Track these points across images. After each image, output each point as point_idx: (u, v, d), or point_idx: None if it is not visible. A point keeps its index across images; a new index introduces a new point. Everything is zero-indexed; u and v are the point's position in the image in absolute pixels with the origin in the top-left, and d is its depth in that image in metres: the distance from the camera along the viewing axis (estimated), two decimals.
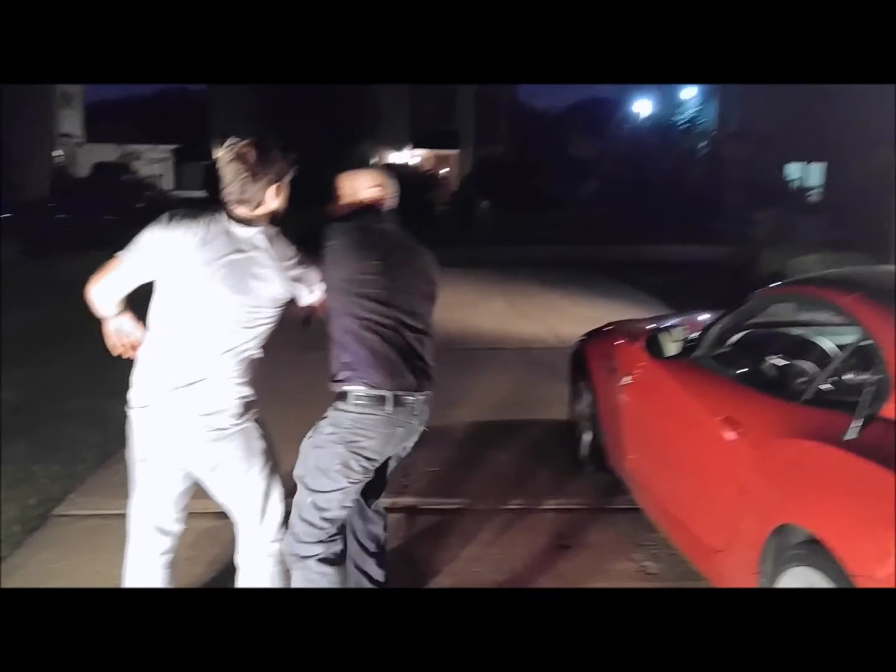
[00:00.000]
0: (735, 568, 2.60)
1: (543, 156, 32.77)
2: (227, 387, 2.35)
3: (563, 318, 8.66)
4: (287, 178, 2.39)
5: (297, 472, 2.57)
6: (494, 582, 3.20)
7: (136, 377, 2.41)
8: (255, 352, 2.41)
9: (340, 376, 2.50)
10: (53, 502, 3.88)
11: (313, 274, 2.48)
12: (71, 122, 32.77)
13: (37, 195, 18.84)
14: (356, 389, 2.47)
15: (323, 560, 2.50)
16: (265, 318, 2.38)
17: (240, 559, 2.59)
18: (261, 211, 2.35)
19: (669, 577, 3.25)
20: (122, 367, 6.39)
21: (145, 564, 2.54)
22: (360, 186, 2.68)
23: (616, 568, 3.34)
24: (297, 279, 2.42)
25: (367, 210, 2.63)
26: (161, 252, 2.27)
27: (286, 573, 2.58)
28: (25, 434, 4.69)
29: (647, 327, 3.92)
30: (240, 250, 2.29)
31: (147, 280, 2.35)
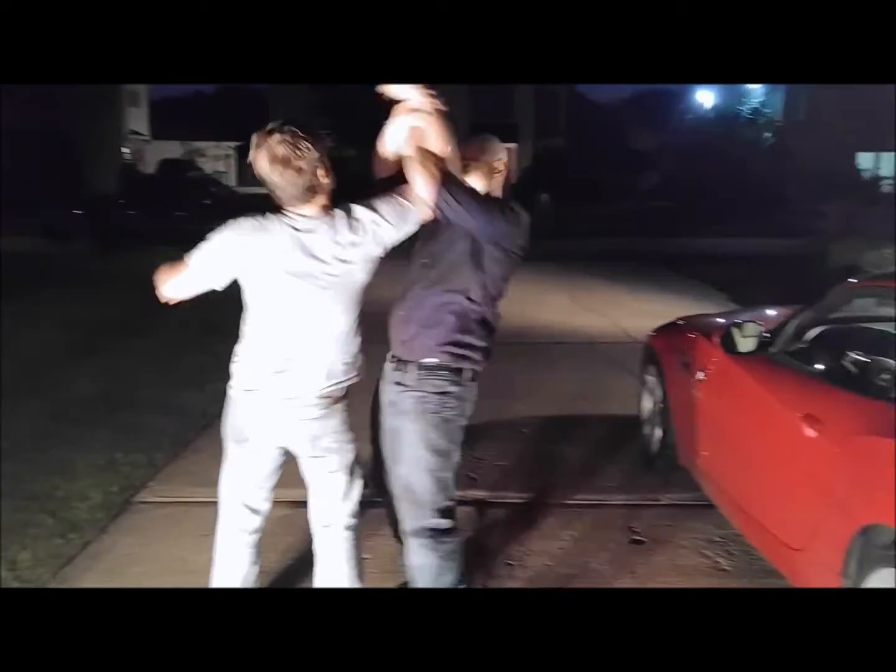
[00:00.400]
0: (816, 567, 2.56)
1: (604, 148, 32.38)
2: (325, 369, 2.40)
3: (627, 312, 8.60)
4: (326, 153, 2.31)
5: (427, 448, 2.52)
6: (565, 576, 3.21)
7: (239, 362, 2.46)
8: (354, 330, 2.45)
9: (462, 352, 2.53)
10: (134, 489, 4.02)
11: (392, 223, 2.39)
12: (138, 119, 33.68)
13: (107, 191, 19.42)
14: (473, 368, 2.56)
15: (456, 530, 2.61)
16: (356, 297, 2.43)
17: (320, 537, 2.64)
18: (319, 199, 2.31)
19: (743, 574, 3.21)
20: (195, 360, 6.57)
21: (234, 543, 2.63)
22: (503, 161, 2.64)
23: (689, 564, 3.32)
24: (374, 246, 2.39)
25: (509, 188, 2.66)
26: (229, 262, 2.33)
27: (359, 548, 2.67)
28: (107, 423, 4.86)
29: (721, 322, 3.87)
30: (307, 251, 2.29)
31: (218, 287, 2.41)
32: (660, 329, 4.58)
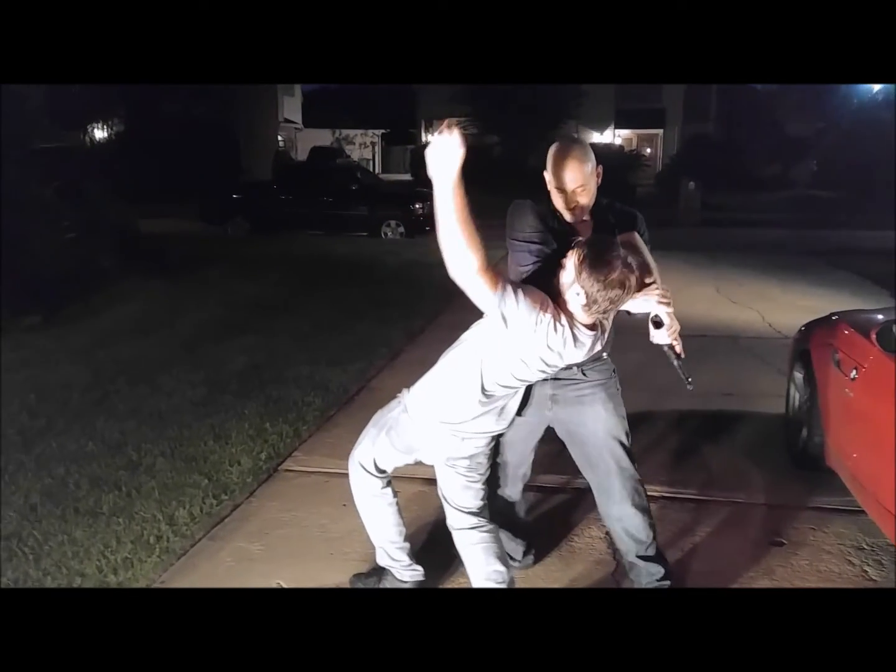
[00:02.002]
0: None
1: (757, 133, 30.80)
2: (513, 411, 2.63)
3: (776, 306, 8.21)
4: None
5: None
6: (702, 573, 3.15)
7: (444, 398, 2.54)
8: None
9: None
10: (281, 458, 4.25)
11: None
12: (292, 108, 35.06)
13: (262, 177, 20.39)
14: None
15: None
16: None
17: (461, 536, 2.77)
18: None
19: (893, 586, 3.04)
20: (341, 341, 6.81)
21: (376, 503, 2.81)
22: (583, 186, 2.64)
23: (832, 570, 3.17)
24: None
25: None
26: (525, 321, 2.30)
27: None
28: (258, 395, 5.16)
29: (879, 318, 3.65)
30: (566, 353, 2.43)
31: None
32: (811, 324, 4.36)
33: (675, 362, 2.54)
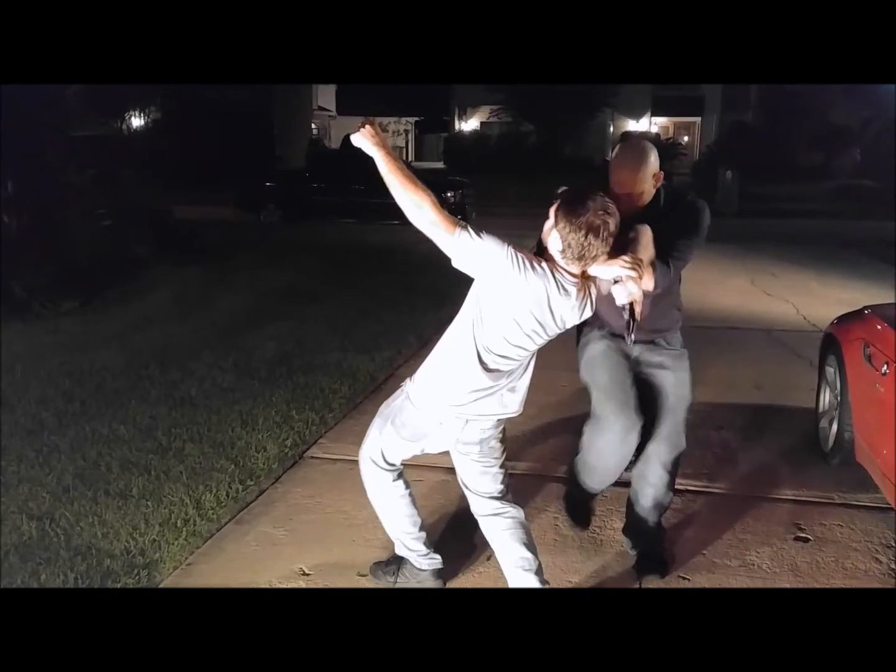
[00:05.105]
0: None
1: (797, 123, 30.18)
2: (521, 393, 2.62)
3: (812, 299, 8.08)
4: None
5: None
6: (724, 567, 3.12)
7: (449, 381, 2.54)
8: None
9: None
10: (306, 445, 4.29)
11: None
12: (326, 96, 35.12)
13: (295, 165, 20.47)
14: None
15: None
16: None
17: (486, 523, 2.76)
18: (587, 266, 2.43)
19: None
20: (369, 329, 6.82)
21: (391, 495, 2.83)
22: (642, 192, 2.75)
23: (858, 567, 3.13)
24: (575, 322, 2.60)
25: None
26: (498, 267, 2.32)
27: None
28: (286, 382, 5.21)
29: None
30: (556, 307, 2.41)
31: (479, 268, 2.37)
32: (843, 318, 4.28)
33: (627, 317, 2.49)
